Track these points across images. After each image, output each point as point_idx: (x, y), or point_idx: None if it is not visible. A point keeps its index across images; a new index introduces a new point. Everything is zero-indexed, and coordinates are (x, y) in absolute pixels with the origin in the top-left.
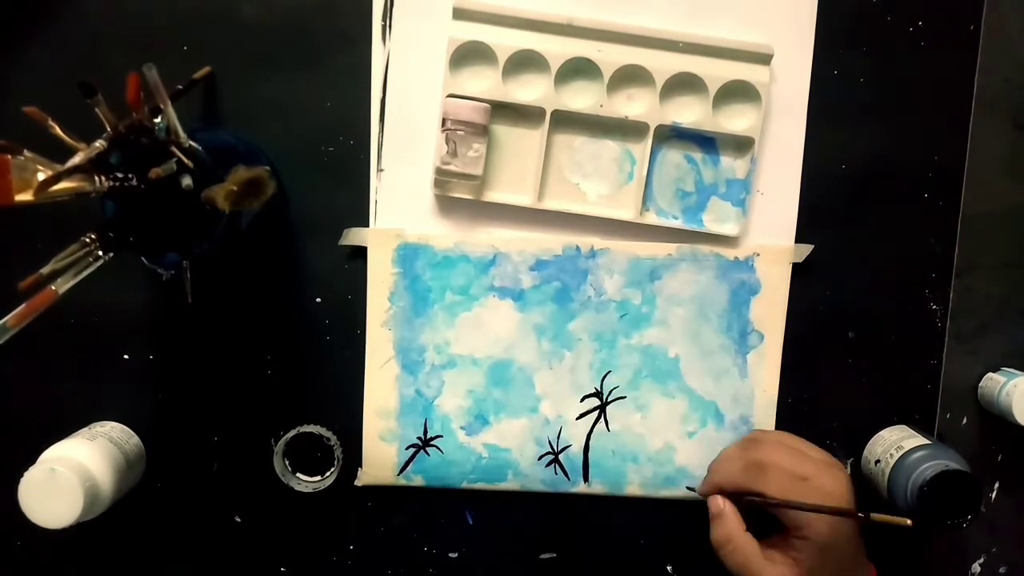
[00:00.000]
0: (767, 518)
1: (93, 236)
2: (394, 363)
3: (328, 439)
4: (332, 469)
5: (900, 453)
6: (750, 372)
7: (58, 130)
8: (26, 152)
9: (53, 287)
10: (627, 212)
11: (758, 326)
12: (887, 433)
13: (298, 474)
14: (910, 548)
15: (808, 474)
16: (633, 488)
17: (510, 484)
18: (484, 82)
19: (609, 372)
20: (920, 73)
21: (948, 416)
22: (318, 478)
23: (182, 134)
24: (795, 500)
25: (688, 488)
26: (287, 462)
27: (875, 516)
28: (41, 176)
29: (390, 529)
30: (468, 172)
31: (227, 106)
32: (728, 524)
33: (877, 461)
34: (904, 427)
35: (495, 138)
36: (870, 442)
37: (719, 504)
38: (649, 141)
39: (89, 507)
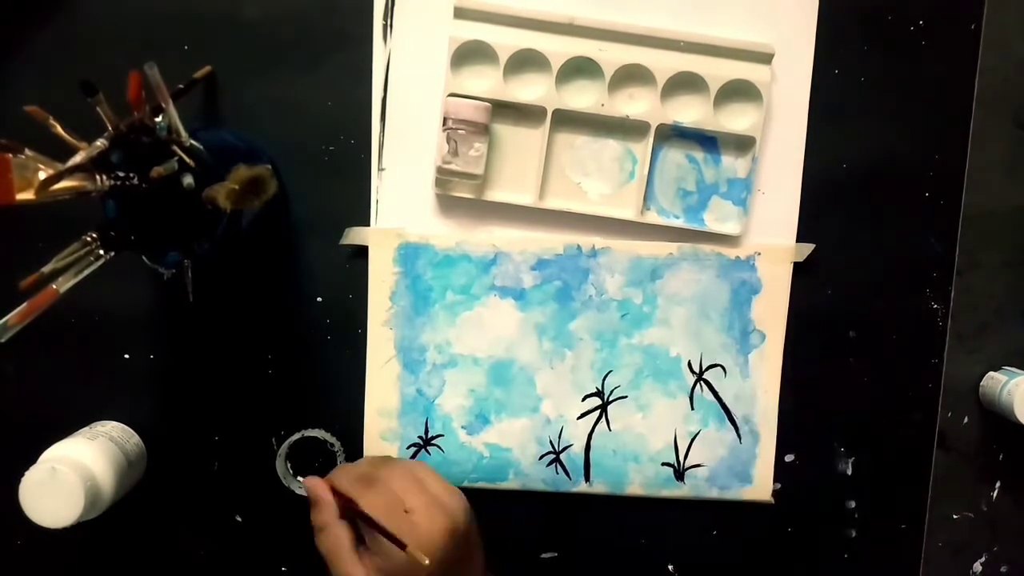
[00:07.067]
0: None
1: (94, 235)
2: (395, 362)
3: (331, 444)
4: None
5: None
6: (751, 372)
7: (59, 129)
8: (27, 151)
9: (54, 286)
10: (628, 211)
11: (759, 325)
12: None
13: (299, 478)
14: (911, 547)
15: (412, 507)
16: (634, 488)
17: (511, 484)
18: (485, 81)
19: (610, 372)
20: (920, 73)
21: (949, 415)
22: None
23: (183, 133)
24: (389, 520)
25: (299, 480)
26: (289, 465)
27: None
28: (42, 175)
29: None
30: (469, 171)
31: (227, 106)
32: (326, 512)
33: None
34: None
35: (496, 137)
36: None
37: (319, 491)
38: (650, 140)
39: (89, 507)
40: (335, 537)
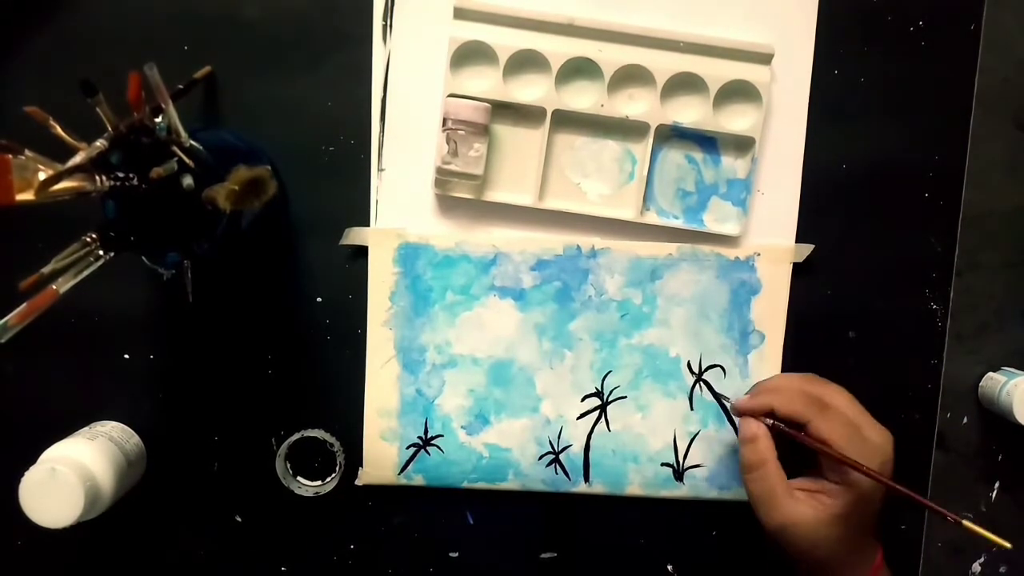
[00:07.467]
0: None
1: (94, 236)
2: (395, 362)
3: (331, 444)
4: (333, 475)
5: None
6: (751, 372)
7: (59, 129)
8: (27, 151)
9: (54, 287)
10: (628, 212)
11: (759, 326)
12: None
13: (299, 478)
14: (910, 546)
15: (860, 424)
16: (634, 488)
17: (511, 484)
18: (485, 82)
19: (610, 372)
20: (920, 73)
21: (948, 416)
22: (319, 483)
23: (183, 133)
24: (848, 449)
25: (721, 398)
26: (289, 465)
27: (968, 525)
28: (42, 175)
29: (390, 529)
30: (469, 172)
31: (227, 106)
32: (763, 449)
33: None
34: None
35: (496, 138)
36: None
37: (753, 428)
38: (650, 141)
39: (89, 507)
40: (772, 477)
